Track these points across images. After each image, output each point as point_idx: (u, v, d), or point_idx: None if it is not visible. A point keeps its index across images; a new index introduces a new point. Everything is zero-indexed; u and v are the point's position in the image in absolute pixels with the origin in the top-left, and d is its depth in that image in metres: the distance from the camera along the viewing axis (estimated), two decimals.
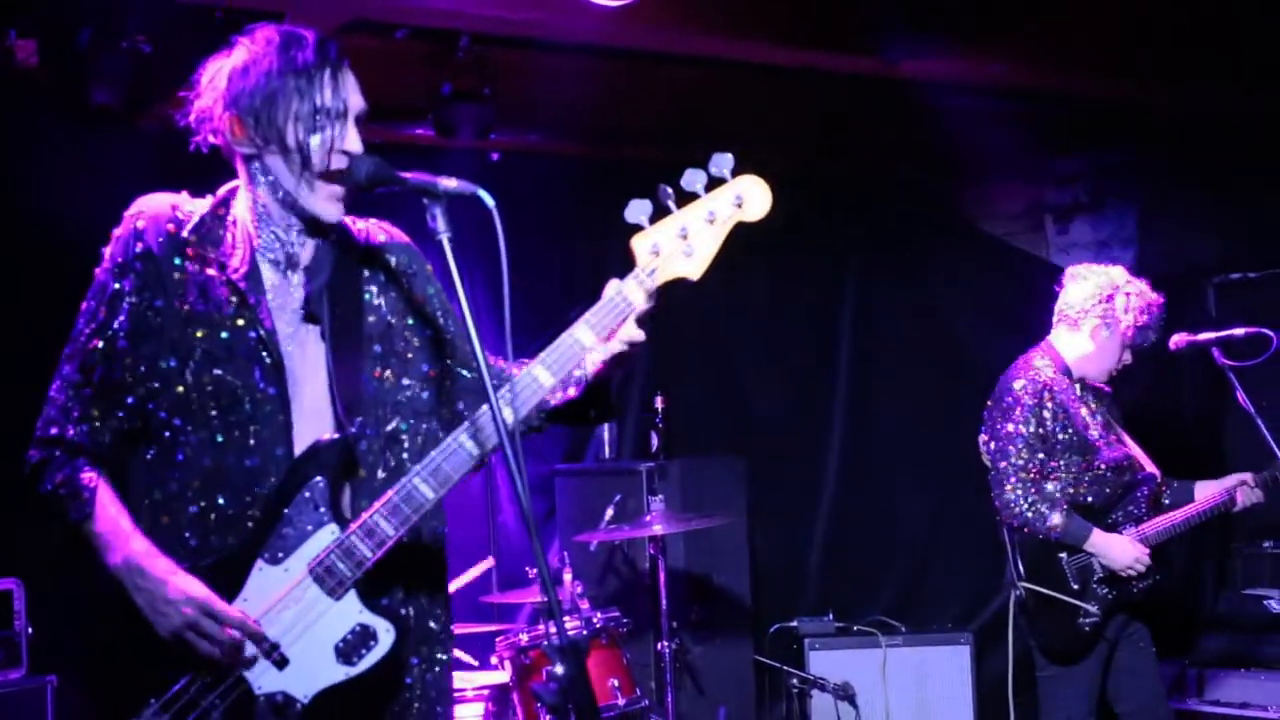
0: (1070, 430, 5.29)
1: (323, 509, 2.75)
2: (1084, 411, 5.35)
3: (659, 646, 5.96)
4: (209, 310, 2.81)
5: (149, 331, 2.80)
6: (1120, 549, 5.24)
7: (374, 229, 3.03)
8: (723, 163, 2.84)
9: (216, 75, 2.83)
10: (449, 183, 2.65)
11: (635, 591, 6.62)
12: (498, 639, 5.55)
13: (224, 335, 2.80)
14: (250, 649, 2.71)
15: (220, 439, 2.77)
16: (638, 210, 2.83)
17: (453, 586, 5.96)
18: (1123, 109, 7.48)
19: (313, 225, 2.87)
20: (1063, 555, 5.29)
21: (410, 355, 2.98)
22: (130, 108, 5.84)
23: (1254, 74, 6.83)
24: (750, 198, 2.85)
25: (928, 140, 7.42)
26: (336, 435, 2.79)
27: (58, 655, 5.36)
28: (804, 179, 7.74)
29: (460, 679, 5.59)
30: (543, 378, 2.79)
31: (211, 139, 2.85)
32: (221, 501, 2.77)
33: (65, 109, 5.76)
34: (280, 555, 2.74)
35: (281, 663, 2.72)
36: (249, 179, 2.86)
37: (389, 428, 2.90)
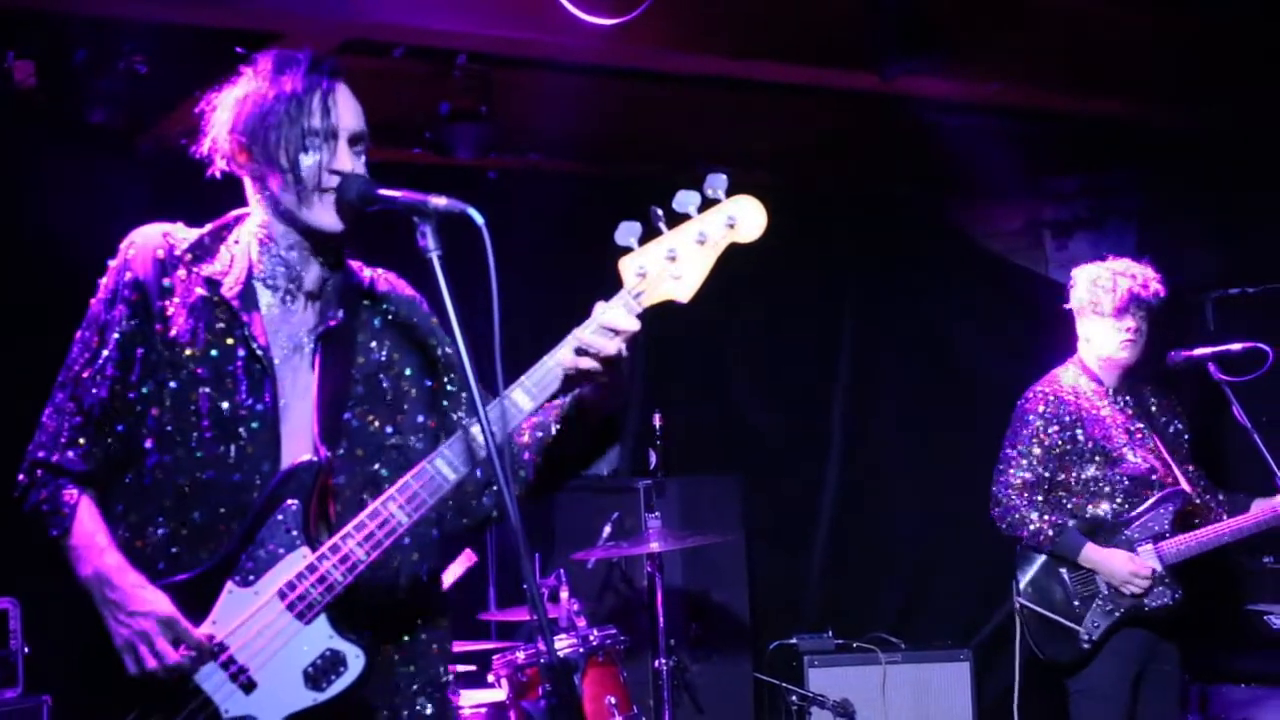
0: (1084, 440, 5.27)
1: (295, 532, 2.75)
2: (1109, 419, 5.33)
3: (656, 664, 5.95)
4: (197, 329, 2.84)
5: (134, 360, 2.84)
6: (1115, 563, 5.20)
7: (379, 278, 3.07)
8: (717, 183, 2.79)
9: (221, 105, 2.92)
10: (439, 201, 2.66)
11: (633, 609, 6.62)
12: (494, 657, 5.54)
13: (213, 354, 2.83)
14: (203, 673, 2.71)
15: (201, 455, 2.79)
16: (627, 232, 2.80)
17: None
18: (1121, 126, 7.49)
19: (317, 245, 2.90)
20: (1064, 571, 5.27)
21: (406, 406, 2.98)
22: (127, 128, 5.87)
23: (1252, 89, 6.84)
24: (743, 219, 2.79)
25: (925, 157, 7.43)
26: (313, 459, 2.79)
27: (54, 674, 5.35)
28: (802, 196, 7.77)
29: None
30: (521, 401, 2.77)
31: (222, 165, 2.92)
32: (197, 517, 2.78)
33: (63, 129, 5.78)
34: (251, 578, 2.73)
35: (249, 687, 2.72)
36: (256, 201, 2.92)
37: (370, 469, 2.90)
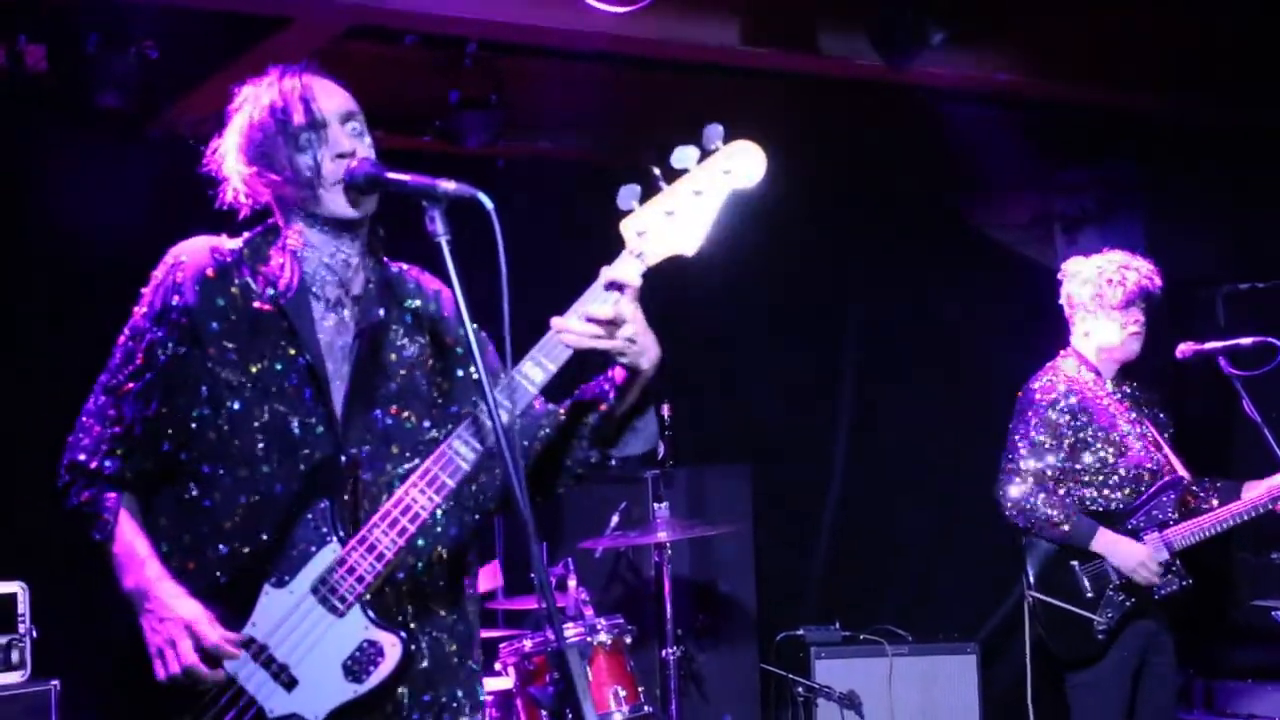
0: (1092, 429, 5.27)
1: (325, 529, 2.75)
2: (1112, 409, 5.32)
3: (663, 653, 5.96)
4: (259, 342, 2.84)
5: (182, 383, 2.83)
6: (1127, 551, 5.19)
7: (408, 273, 3.06)
8: (714, 135, 2.77)
9: (225, 151, 2.93)
10: (448, 185, 2.64)
11: (640, 598, 6.63)
12: (502, 645, 5.55)
13: (277, 367, 2.83)
14: (245, 674, 2.72)
15: (267, 469, 2.79)
16: (628, 195, 2.78)
17: None
18: (1131, 119, 7.48)
19: (350, 239, 2.89)
20: (1075, 563, 5.26)
21: (441, 399, 2.98)
22: (138, 113, 5.88)
23: (1262, 84, 6.83)
24: (739, 164, 2.77)
25: (934, 148, 7.41)
26: (336, 456, 2.80)
27: (62, 659, 5.36)
28: (810, 186, 7.75)
29: None
30: (532, 373, 2.76)
31: (249, 203, 2.93)
32: (265, 537, 2.77)
33: (74, 114, 5.79)
34: (286, 578, 2.74)
35: (291, 684, 2.72)
36: (284, 220, 2.92)
37: (405, 465, 2.87)
